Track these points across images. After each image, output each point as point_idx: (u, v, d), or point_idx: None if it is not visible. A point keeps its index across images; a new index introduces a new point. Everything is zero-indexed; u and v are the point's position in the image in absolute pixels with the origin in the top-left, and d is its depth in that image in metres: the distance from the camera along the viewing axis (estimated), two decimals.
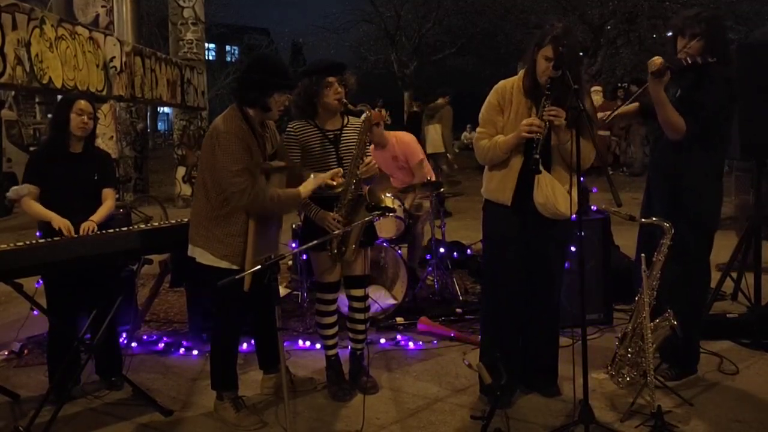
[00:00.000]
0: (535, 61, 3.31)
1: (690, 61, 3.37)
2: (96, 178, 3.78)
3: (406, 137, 5.67)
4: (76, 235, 3.54)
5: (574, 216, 3.33)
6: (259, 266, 2.92)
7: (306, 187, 3.37)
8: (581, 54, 3.51)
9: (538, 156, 3.17)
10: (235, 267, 3.28)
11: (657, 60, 3.34)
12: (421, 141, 17.60)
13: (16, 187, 3.64)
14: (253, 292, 3.26)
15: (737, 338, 4.30)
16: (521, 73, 3.42)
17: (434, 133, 10.20)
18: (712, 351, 4.05)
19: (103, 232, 3.63)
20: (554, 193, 3.30)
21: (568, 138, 3.20)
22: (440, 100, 10.55)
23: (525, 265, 3.46)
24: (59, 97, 5.95)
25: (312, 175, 3.42)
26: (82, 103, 3.69)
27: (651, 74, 3.35)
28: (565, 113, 3.22)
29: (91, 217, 3.66)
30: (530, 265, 3.47)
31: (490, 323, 3.61)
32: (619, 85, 15.32)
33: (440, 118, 10.07)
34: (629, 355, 3.51)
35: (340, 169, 3.46)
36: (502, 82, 3.46)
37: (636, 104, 3.83)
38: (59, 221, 3.55)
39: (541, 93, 3.26)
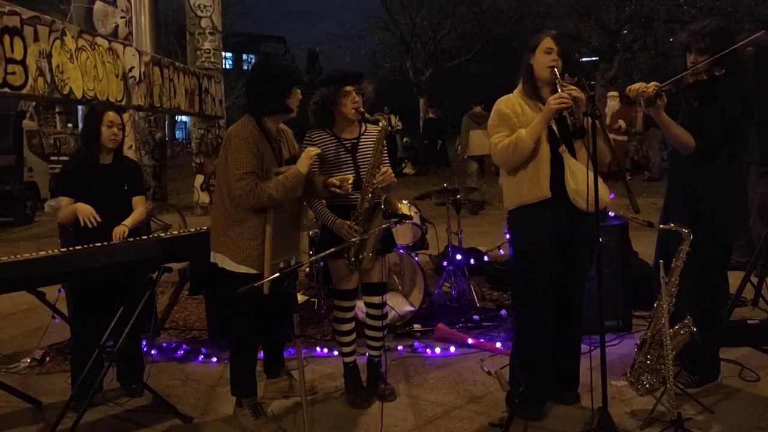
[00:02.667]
0: (531, 66, 3.34)
1: (691, 80, 3.34)
2: (126, 188, 3.86)
3: None
4: (99, 244, 3.59)
5: (612, 212, 3.26)
6: (277, 274, 2.95)
7: (302, 165, 3.36)
8: (580, 59, 3.54)
9: (575, 121, 3.17)
10: (253, 271, 3.31)
11: (650, 88, 3.31)
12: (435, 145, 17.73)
13: (51, 202, 3.73)
14: (269, 298, 3.29)
15: (758, 344, 4.25)
16: (519, 86, 3.44)
17: (483, 137, 10.77)
18: (732, 358, 4.01)
19: (124, 240, 3.68)
20: (585, 178, 3.24)
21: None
22: (478, 109, 10.99)
23: (560, 267, 3.40)
24: (80, 107, 6.04)
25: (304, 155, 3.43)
26: (111, 115, 3.76)
27: (643, 102, 3.34)
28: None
29: (124, 221, 3.75)
30: (564, 266, 3.41)
31: (525, 335, 3.51)
32: None
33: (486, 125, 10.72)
34: (648, 362, 3.48)
35: (350, 177, 3.48)
36: (503, 98, 3.46)
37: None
38: (83, 210, 3.62)
39: (545, 93, 3.31)
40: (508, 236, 3.72)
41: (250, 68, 3.64)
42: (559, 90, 3.21)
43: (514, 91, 3.46)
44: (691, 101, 3.50)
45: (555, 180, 3.30)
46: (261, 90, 3.38)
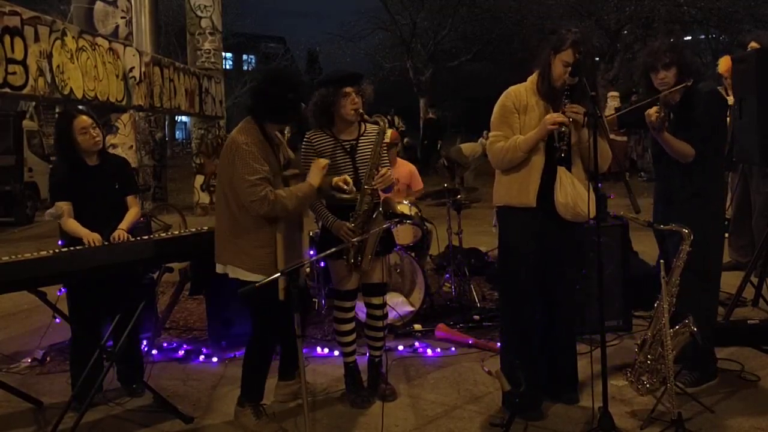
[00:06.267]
0: (550, 64, 3.33)
1: (677, 99, 3.51)
2: (117, 187, 3.84)
3: (411, 167, 5.96)
4: (98, 244, 3.58)
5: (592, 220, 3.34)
6: (278, 274, 2.94)
7: (314, 178, 3.38)
8: (597, 60, 3.59)
9: (566, 146, 3.23)
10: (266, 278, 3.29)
11: (653, 115, 3.39)
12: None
13: (51, 210, 3.70)
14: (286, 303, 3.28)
15: (758, 345, 4.25)
16: (533, 77, 3.45)
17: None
18: (732, 358, 4.01)
19: (124, 240, 3.68)
20: (576, 192, 3.31)
21: (587, 136, 3.22)
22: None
23: (543, 269, 3.45)
24: (80, 107, 6.03)
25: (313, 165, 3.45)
26: (82, 120, 3.67)
27: (652, 130, 3.44)
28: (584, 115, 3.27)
29: (120, 226, 3.73)
30: (548, 269, 3.47)
31: (510, 332, 3.59)
32: (633, 90, 15.22)
33: None
34: (649, 362, 3.49)
35: (347, 177, 3.49)
36: (513, 88, 3.48)
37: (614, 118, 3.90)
38: (88, 237, 3.59)
39: (557, 96, 3.33)
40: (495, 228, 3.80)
41: (267, 72, 3.56)
42: (565, 109, 3.26)
43: (528, 81, 3.47)
44: (674, 112, 3.59)
45: (544, 190, 3.35)
46: (277, 96, 3.31)
